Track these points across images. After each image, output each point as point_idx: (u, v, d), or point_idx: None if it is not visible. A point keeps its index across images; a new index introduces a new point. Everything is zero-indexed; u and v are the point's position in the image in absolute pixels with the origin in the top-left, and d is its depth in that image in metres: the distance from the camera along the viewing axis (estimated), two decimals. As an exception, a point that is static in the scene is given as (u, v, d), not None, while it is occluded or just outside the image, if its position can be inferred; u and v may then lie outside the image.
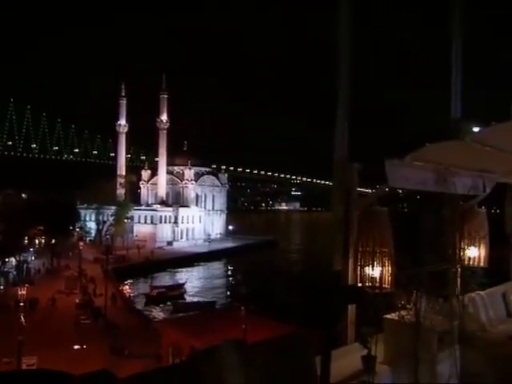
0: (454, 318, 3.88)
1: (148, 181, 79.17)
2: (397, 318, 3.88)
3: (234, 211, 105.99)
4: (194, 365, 2.70)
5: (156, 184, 76.71)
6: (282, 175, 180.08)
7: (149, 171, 79.96)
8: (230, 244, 74.63)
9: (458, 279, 5.79)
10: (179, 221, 72.42)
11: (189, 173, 77.35)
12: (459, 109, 5.64)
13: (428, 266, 4.44)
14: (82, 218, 67.27)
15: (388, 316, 4.02)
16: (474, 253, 5.51)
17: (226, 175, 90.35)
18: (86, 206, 67.94)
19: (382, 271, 4.02)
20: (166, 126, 76.92)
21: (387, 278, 4.01)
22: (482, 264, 5.53)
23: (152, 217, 70.62)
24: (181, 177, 77.72)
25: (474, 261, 5.52)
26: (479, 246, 5.49)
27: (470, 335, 4.79)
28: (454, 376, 3.36)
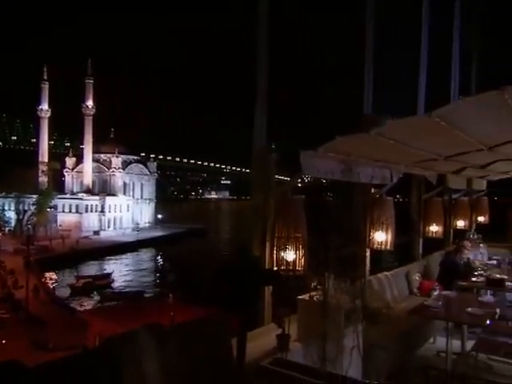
0: (359, 297, 4.24)
1: (73, 169, 75.19)
2: (308, 298, 4.15)
3: (163, 200, 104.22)
4: (107, 350, 2.74)
5: (81, 172, 73.09)
6: (212, 164, 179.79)
7: (74, 158, 75.91)
8: (159, 233, 73.44)
9: (367, 261, 6.29)
10: (106, 210, 69.81)
11: (116, 161, 74.54)
12: (370, 106, 6.06)
13: (340, 250, 4.79)
14: (0, 208, 62.73)
15: (301, 297, 4.29)
16: (382, 237, 6.01)
17: (155, 164, 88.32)
18: (4, 194, 63.31)
19: (295, 255, 4.30)
20: (91, 112, 73.30)
21: (300, 261, 4.29)
22: (388, 247, 6.04)
23: (77, 206, 67.45)
24: (108, 165, 74.69)
25: (381, 244, 6.01)
26: (386, 231, 5.99)
27: (374, 312, 5.24)
28: (356, 348, 3.69)
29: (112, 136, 77.53)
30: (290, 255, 4.25)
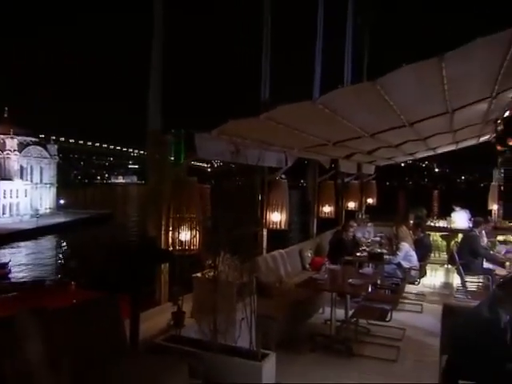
0: (251, 272, 4.51)
1: (-40, 151, 67.40)
2: (202, 276, 4.31)
3: (66, 185, 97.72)
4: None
5: (-30, 154, 65.85)
6: (119, 148, 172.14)
7: (-39, 140, 68.00)
8: (61, 219, 68.94)
9: (265, 240, 6.64)
10: (1, 195, 63.86)
11: (11, 142, 68.06)
12: (267, 90, 6.30)
13: (237, 230, 5.02)
14: None
15: (196, 275, 4.44)
16: (277, 217, 6.37)
17: (56, 146, 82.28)
18: None
19: (190, 235, 4.42)
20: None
21: (195, 241, 4.43)
22: (283, 227, 6.42)
23: (-34, 191, 60.85)
24: (1, 147, 68.02)
25: (277, 224, 6.38)
26: (281, 212, 6.36)
27: (267, 286, 5.60)
28: (245, 320, 3.94)
29: (6, 116, 70.64)
30: (184, 235, 4.36)
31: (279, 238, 8.48)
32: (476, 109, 6.15)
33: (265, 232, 6.55)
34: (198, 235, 4.38)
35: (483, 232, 7.75)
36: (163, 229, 4.43)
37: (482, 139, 9.75)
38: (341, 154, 8.04)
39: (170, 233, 4.39)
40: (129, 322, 3.81)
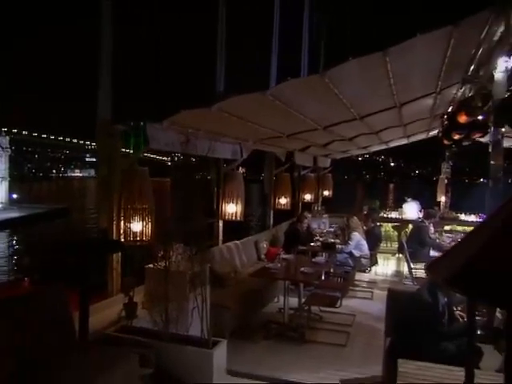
0: (205, 263, 4.55)
1: None
2: (155, 266, 4.30)
3: (19, 179, 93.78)
4: None
5: None
6: (75, 141, 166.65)
7: None
8: (14, 214, 66.09)
9: (220, 231, 6.69)
10: None
11: (-43, 133, 64.58)
12: (223, 82, 6.32)
13: (193, 221, 5.03)
14: None
15: (148, 266, 4.42)
16: (232, 209, 6.42)
17: (8, 138, 78.56)
18: None
19: (142, 226, 4.41)
20: None
21: (147, 231, 4.42)
22: (238, 218, 6.49)
23: None
24: None
25: (232, 216, 6.44)
26: (236, 203, 6.42)
27: (222, 276, 5.66)
28: (197, 309, 3.98)
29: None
30: (136, 226, 4.34)
31: (240, 230, 8.55)
32: (423, 104, 6.43)
33: (221, 223, 6.59)
34: (149, 226, 4.37)
35: (431, 222, 8.12)
36: (115, 220, 4.40)
37: (431, 134, 10.19)
38: (296, 146, 8.19)
39: (122, 223, 4.36)
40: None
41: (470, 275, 1.58)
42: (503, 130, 4.43)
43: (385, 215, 11.15)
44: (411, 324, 3.64)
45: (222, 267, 5.80)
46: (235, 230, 8.02)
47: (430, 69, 4.73)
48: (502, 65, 4.18)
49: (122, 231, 4.38)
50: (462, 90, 6.06)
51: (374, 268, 8.46)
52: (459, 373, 1.97)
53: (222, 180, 6.53)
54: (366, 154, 14.45)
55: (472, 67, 5.13)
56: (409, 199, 10.96)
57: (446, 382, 2.75)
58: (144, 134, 4.35)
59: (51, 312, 3.40)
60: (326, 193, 11.78)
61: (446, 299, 3.70)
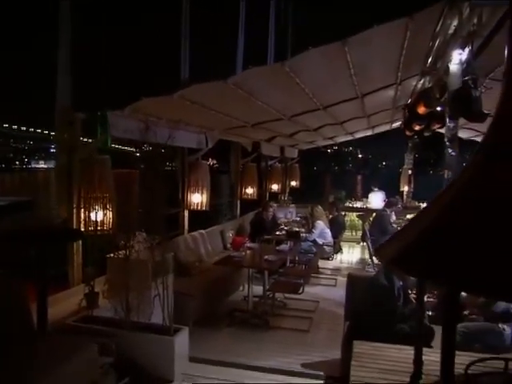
0: (168, 252, 4.55)
1: None
2: (117, 256, 4.26)
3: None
4: None
5: None
6: (39, 131, 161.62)
7: None
8: (-26, 208, 63.79)
9: (186, 221, 6.67)
10: None
11: None
12: (187, 70, 6.26)
13: (158, 211, 5.01)
14: None
15: (110, 255, 4.38)
16: (198, 199, 6.41)
17: (-34, 127, 75.45)
18: None
19: (103, 215, 4.35)
20: None
21: (108, 220, 4.36)
22: (204, 208, 6.48)
23: None
24: None
25: (198, 205, 6.43)
26: (202, 193, 6.41)
27: (187, 265, 5.67)
28: (159, 297, 3.99)
29: None
30: (97, 215, 4.28)
31: (211, 220, 8.53)
32: (384, 95, 6.58)
33: (186, 213, 6.58)
34: (110, 214, 4.32)
35: (393, 211, 8.36)
36: (75, 209, 4.32)
37: (395, 125, 10.43)
38: (262, 136, 8.22)
39: (82, 213, 4.29)
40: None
41: (409, 255, 1.67)
42: (459, 121, 4.59)
43: (350, 205, 11.39)
44: (368, 307, 3.77)
45: (187, 256, 5.80)
46: (208, 219, 8.02)
47: (389, 60, 4.84)
48: (457, 57, 4.32)
49: (82, 220, 4.31)
50: (422, 81, 6.23)
51: (339, 256, 8.67)
52: (411, 351, 2.06)
53: (186, 170, 6.50)
54: (335, 145, 14.67)
55: (430, 59, 5.28)
56: (375, 189, 11.22)
57: (398, 361, 2.87)
58: (105, 122, 4.28)
59: (4, 302, 3.33)
60: (293, 183, 11.90)
61: (401, 283, 3.84)
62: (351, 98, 6.02)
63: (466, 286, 1.60)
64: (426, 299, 3.75)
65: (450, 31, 4.30)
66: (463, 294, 4.30)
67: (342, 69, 4.53)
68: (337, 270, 7.79)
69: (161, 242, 4.34)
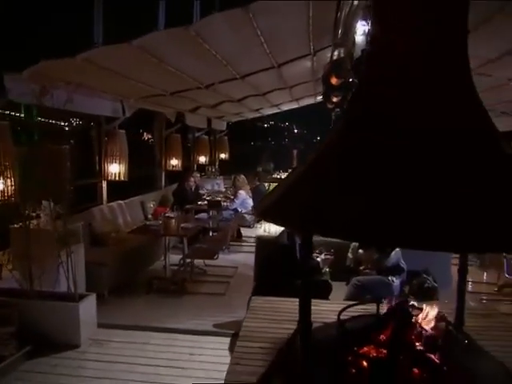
0: (78, 222, 4.47)
1: None
2: (21, 226, 4.12)
3: None
4: None
5: None
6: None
7: None
8: None
9: (104, 192, 6.53)
10: None
11: None
12: (101, 32, 5.99)
13: (77, 181, 4.88)
14: None
15: (13, 226, 4.23)
16: (116, 169, 6.28)
17: None
18: None
19: (4, 184, 4.16)
20: None
21: (9, 190, 4.18)
22: (122, 178, 6.37)
23: None
24: None
25: (116, 176, 6.31)
26: (119, 163, 6.28)
27: (103, 236, 5.60)
28: (63, 266, 3.94)
29: None
30: (-1, 184, 4.09)
31: (134, 190, 8.34)
32: (302, 65, 6.72)
33: (104, 184, 6.43)
34: (12, 184, 4.14)
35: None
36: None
37: (319, 98, 10.70)
38: (185, 106, 8.12)
39: (-20, 182, 4.08)
40: None
41: (274, 207, 1.83)
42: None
43: (278, 176, 11.68)
44: (271, 266, 3.97)
45: (103, 226, 5.72)
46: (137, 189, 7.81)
47: (299, 30, 4.93)
48: (361, 28, 4.51)
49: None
50: (337, 53, 6.42)
51: (263, 225, 8.90)
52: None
53: (103, 139, 6.32)
54: (271, 121, 14.80)
55: (340, 31, 5.45)
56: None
57: (289, 312, 3.07)
58: (2, 88, 4.05)
59: None
60: (222, 156, 11.94)
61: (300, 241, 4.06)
62: (268, 68, 6.09)
63: (315, 229, 1.78)
64: (324, 257, 3.99)
65: (356, 3, 4.47)
66: (360, 251, 4.59)
67: (251, 36, 4.55)
68: (259, 238, 8.01)
69: (68, 212, 4.27)
